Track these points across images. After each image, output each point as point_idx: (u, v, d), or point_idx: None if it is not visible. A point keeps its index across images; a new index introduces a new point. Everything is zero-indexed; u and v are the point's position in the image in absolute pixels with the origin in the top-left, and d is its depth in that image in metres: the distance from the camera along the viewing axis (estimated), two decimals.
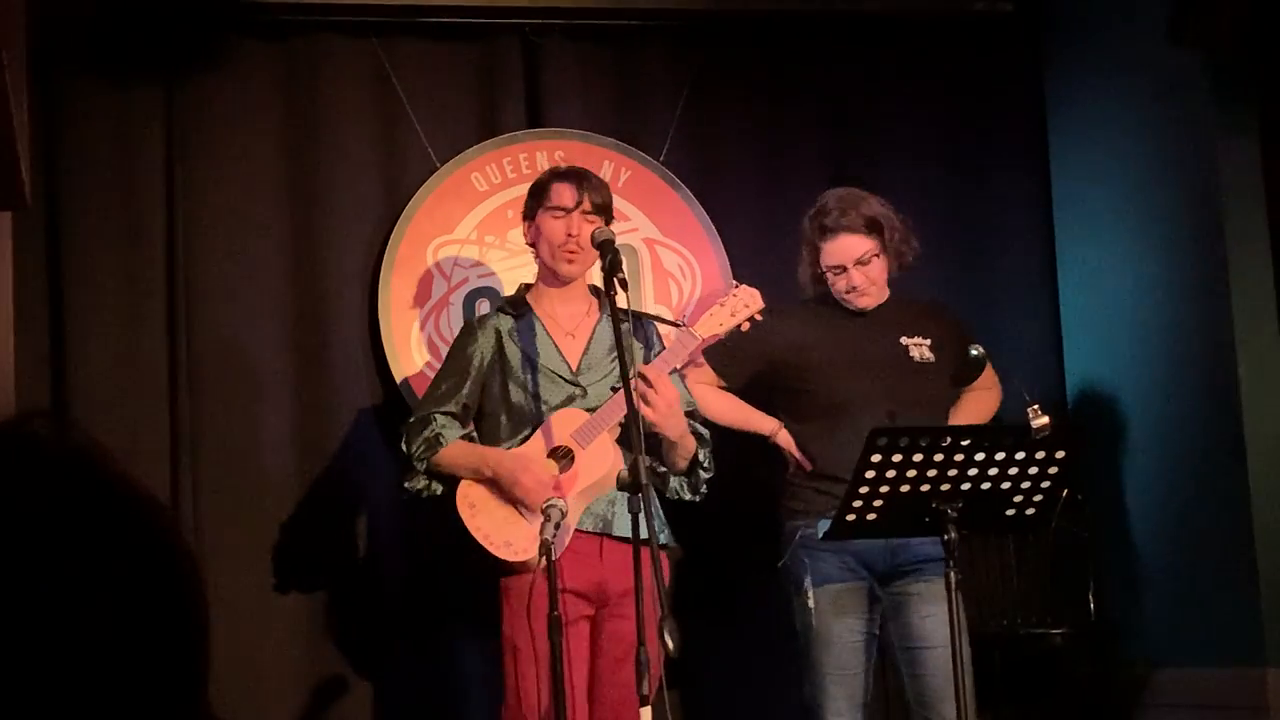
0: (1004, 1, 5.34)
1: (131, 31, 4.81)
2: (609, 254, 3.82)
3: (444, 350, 4.74)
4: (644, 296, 5.02)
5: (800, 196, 5.11)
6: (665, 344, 4.14)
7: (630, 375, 3.65)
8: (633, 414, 3.56)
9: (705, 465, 4.11)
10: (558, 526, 3.64)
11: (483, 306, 4.83)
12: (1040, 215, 5.36)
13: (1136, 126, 4.92)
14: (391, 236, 4.91)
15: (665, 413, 3.87)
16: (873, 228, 4.35)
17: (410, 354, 4.86)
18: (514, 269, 4.92)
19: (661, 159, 5.11)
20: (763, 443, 4.46)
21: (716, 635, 4.82)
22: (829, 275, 4.40)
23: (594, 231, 3.97)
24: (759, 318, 4.06)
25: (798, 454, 4.37)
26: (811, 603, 4.21)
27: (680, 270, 5.10)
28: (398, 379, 4.83)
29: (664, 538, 4.04)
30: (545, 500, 3.74)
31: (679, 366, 4.07)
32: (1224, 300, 4.51)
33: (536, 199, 4.16)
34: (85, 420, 4.63)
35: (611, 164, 5.04)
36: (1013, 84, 5.41)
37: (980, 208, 5.28)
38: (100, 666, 0.94)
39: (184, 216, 4.84)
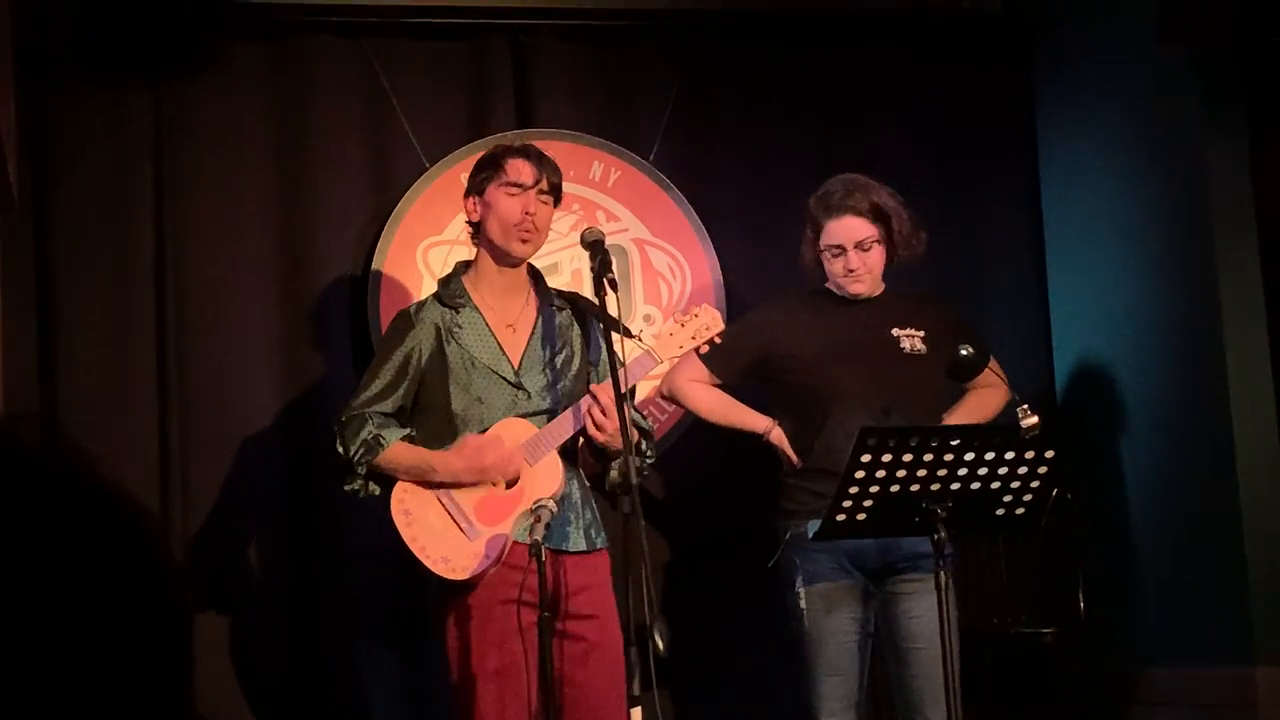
0: (993, 1, 5.34)
1: (119, 32, 4.80)
2: (599, 255, 3.80)
3: None
4: (634, 297, 5.02)
5: (789, 196, 5.11)
6: (604, 340, 4.09)
7: (618, 368, 3.63)
8: (622, 417, 3.56)
9: (649, 455, 4.06)
10: (548, 527, 3.63)
11: None
12: (1029, 214, 5.36)
13: (1125, 125, 4.93)
14: (381, 237, 4.90)
15: (615, 433, 3.75)
16: (878, 215, 4.34)
17: None
18: None
19: (651, 159, 5.10)
20: (755, 442, 4.45)
21: (710, 636, 4.82)
22: (827, 256, 4.38)
23: (584, 231, 3.94)
24: (718, 340, 4.03)
25: (790, 452, 4.37)
26: (803, 603, 4.21)
27: (670, 270, 5.10)
28: None
29: (601, 541, 4.00)
30: (518, 470, 3.75)
31: (632, 385, 3.97)
32: (1213, 298, 4.51)
33: (487, 173, 4.03)
34: (74, 420, 4.62)
35: (601, 164, 5.04)
36: (1001, 83, 5.41)
37: (969, 206, 5.28)
38: (81, 669, 0.94)
39: (173, 217, 4.84)
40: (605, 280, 3.73)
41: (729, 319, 4.38)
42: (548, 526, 3.61)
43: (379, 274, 4.88)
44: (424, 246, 4.94)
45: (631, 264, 5.05)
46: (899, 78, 5.34)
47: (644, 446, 4.02)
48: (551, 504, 3.66)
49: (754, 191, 5.21)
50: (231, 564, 4.74)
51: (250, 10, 4.92)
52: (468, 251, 4.93)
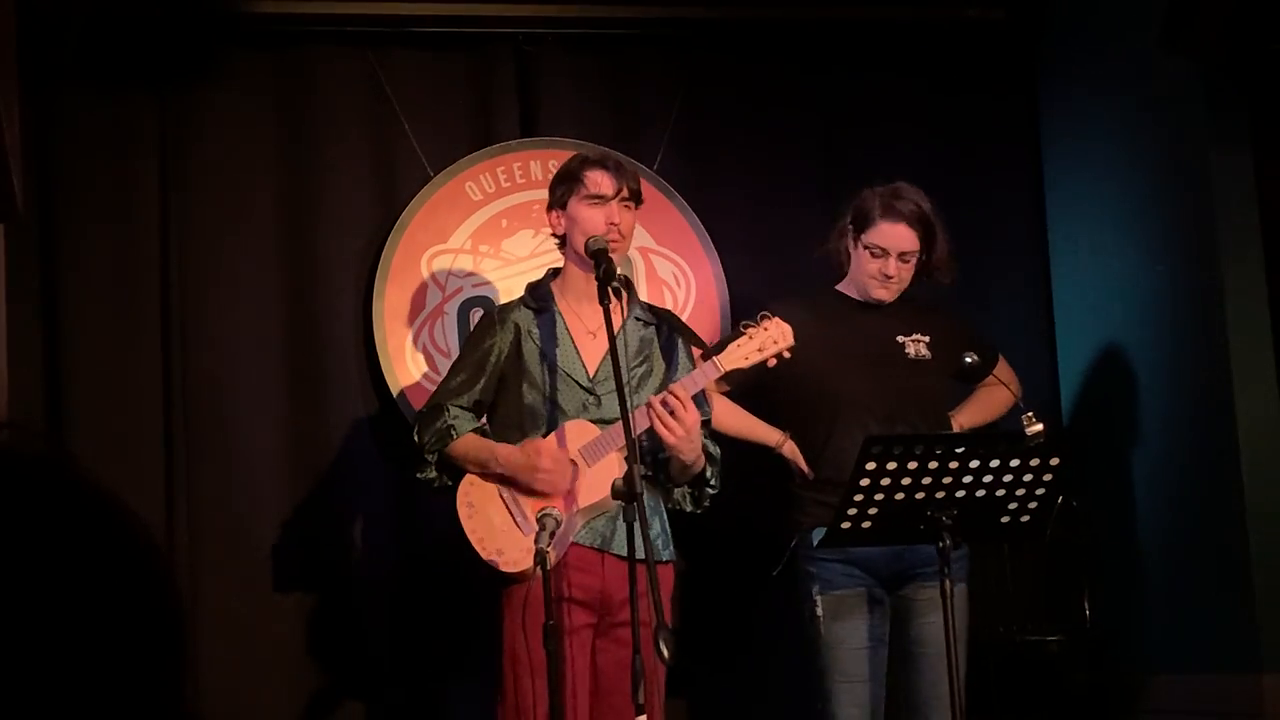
0: (997, 9, 5.34)
1: (125, 42, 4.81)
2: (603, 263, 3.81)
3: (439, 360, 4.74)
4: None
5: (793, 203, 5.13)
6: (694, 362, 4.09)
7: (627, 382, 3.63)
8: (627, 423, 3.55)
9: (712, 483, 4.06)
10: (553, 535, 3.63)
11: (476, 315, 4.78)
12: (1033, 223, 5.36)
13: (1129, 134, 4.93)
14: (386, 246, 4.90)
15: (684, 437, 3.81)
16: (926, 234, 4.34)
17: (405, 364, 4.86)
18: (508, 278, 4.92)
19: (655, 168, 5.11)
20: (766, 453, 4.44)
21: (721, 646, 4.82)
22: (865, 254, 4.35)
23: (589, 240, 3.94)
24: (787, 355, 3.93)
25: (803, 465, 4.36)
26: (819, 611, 4.20)
27: (675, 279, 5.10)
28: (393, 390, 4.82)
29: (668, 554, 4.01)
30: (565, 487, 3.74)
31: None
32: (1218, 307, 4.51)
33: (566, 185, 4.03)
34: (79, 427, 4.63)
35: None
36: (1006, 91, 5.42)
37: (974, 214, 5.27)
38: (76, 675, 0.94)
39: (177, 225, 4.84)
40: (610, 289, 3.74)
41: (733, 328, 4.35)
42: (552, 535, 3.61)
43: (384, 282, 4.88)
44: (429, 255, 4.95)
45: (636, 272, 5.05)
46: (903, 86, 5.34)
47: (708, 474, 4.03)
48: (556, 513, 3.66)
49: (758, 199, 5.21)
50: (235, 572, 4.73)
51: (255, 20, 4.93)
52: (471, 261, 4.95)
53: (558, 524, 3.65)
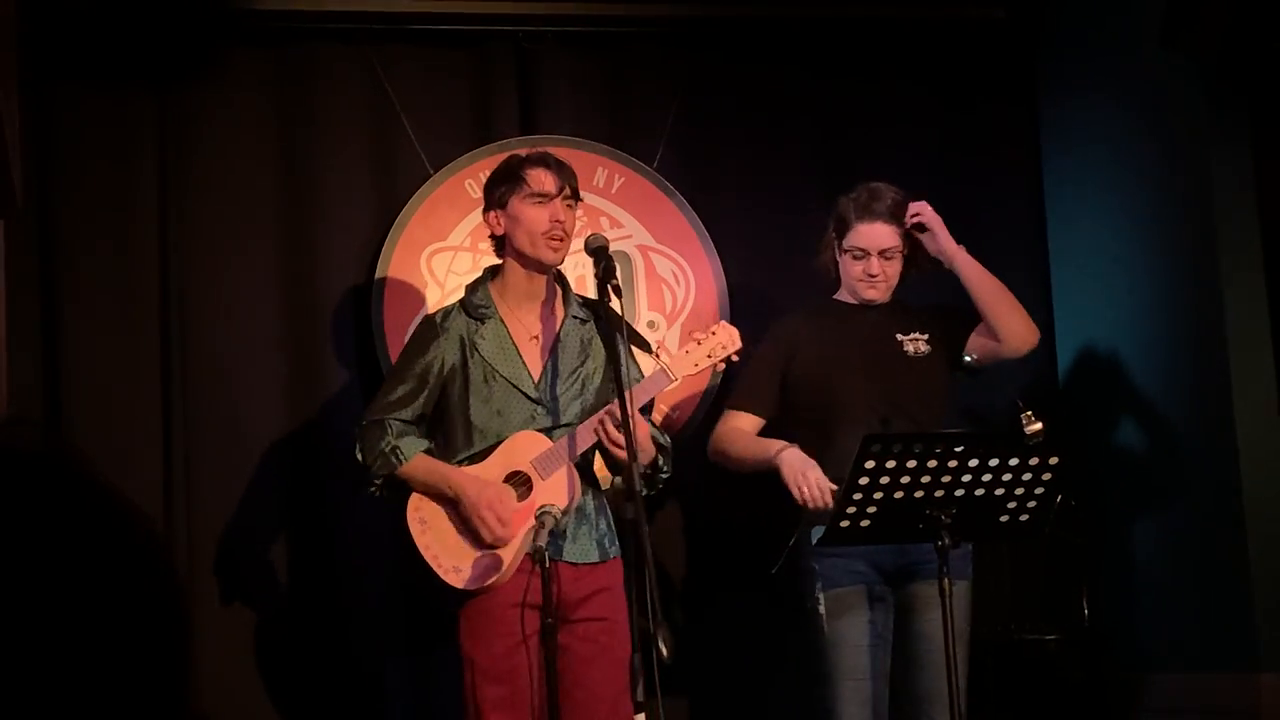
0: (997, 8, 5.35)
1: (124, 39, 4.81)
2: (602, 261, 3.81)
3: None
4: (638, 303, 5.02)
5: (793, 202, 5.13)
6: (609, 353, 4.08)
7: (623, 379, 3.63)
8: (625, 422, 3.56)
9: (665, 470, 4.08)
10: (551, 533, 3.63)
11: None
12: (1033, 220, 5.36)
13: (1129, 132, 4.93)
14: (385, 243, 4.90)
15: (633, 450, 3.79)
16: (904, 228, 4.39)
17: None
18: None
19: (655, 165, 5.11)
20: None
21: (713, 642, 4.82)
22: (847, 259, 4.39)
23: (588, 238, 3.94)
24: (735, 359, 4.01)
25: None
26: (822, 608, 4.20)
27: (674, 276, 5.10)
28: None
29: (614, 551, 4.02)
30: (504, 536, 3.76)
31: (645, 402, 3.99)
32: (1217, 305, 4.51)
33: (506, 185, 4.02)
34: (78, 424, 4.63)
35: (605, 170, 5.04)
36: (1006, 90, 5.42)
37: (973, 212, 5.27)
38: (80, 670, 0.94)
39: (177, 222, 4.84)
40: (609, 287, 3.74)
41: (731, 324, 4.31)
42: (551, 533, 3.61)
43: (383, 280, 4.88)
44: (428, 253, 4.95)
45: (635, 270, 5.06)
46: (903, 84, 5.34)
47: (660, 462, 4.04)
48: (555, 510, 3.66)
49: (757, 197, 5.21)
50: (234, 570, 4.73)
51: (255, 18, 4.92)
52: (471, 259, 4.94)
53: (556, 521, 3.65)
